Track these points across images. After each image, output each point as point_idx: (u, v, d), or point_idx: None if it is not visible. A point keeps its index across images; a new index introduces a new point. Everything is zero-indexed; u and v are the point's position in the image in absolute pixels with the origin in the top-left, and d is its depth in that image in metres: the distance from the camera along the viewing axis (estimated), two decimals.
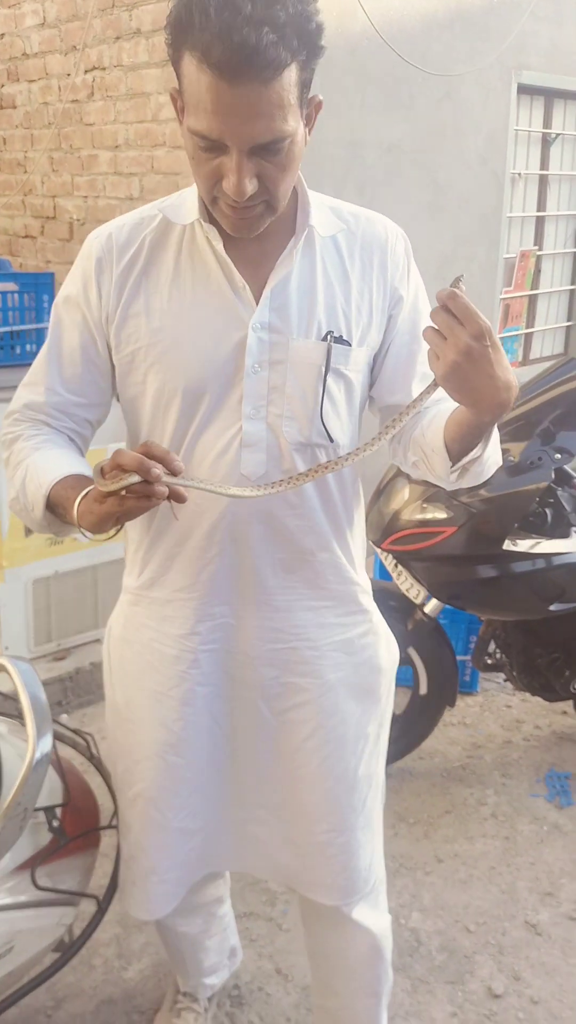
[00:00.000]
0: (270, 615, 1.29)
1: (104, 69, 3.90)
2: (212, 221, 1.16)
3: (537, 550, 2.28)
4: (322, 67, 1.05)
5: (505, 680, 2.87)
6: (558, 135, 4.43)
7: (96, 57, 3.93)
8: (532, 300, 4.86)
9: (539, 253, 4.62)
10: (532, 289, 4.77)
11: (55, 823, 1.37)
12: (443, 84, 3.63)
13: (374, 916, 1.50)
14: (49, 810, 1.37)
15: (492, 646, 2.72)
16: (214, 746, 1.37)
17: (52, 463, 1.19)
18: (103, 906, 1.47)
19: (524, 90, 4.08)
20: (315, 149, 3.22)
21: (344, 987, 1.55)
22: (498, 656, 2.73)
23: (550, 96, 4.32)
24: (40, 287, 3.29)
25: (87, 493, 1.07)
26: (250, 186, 1.03)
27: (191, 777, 1.37)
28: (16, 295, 3.25)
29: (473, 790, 2.65)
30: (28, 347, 3.35)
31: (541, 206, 4.50)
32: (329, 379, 1.19)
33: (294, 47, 0.95)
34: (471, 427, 1.12)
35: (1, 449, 1.30)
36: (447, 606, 2.44)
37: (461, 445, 1.16)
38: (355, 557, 1.36)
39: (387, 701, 1.45)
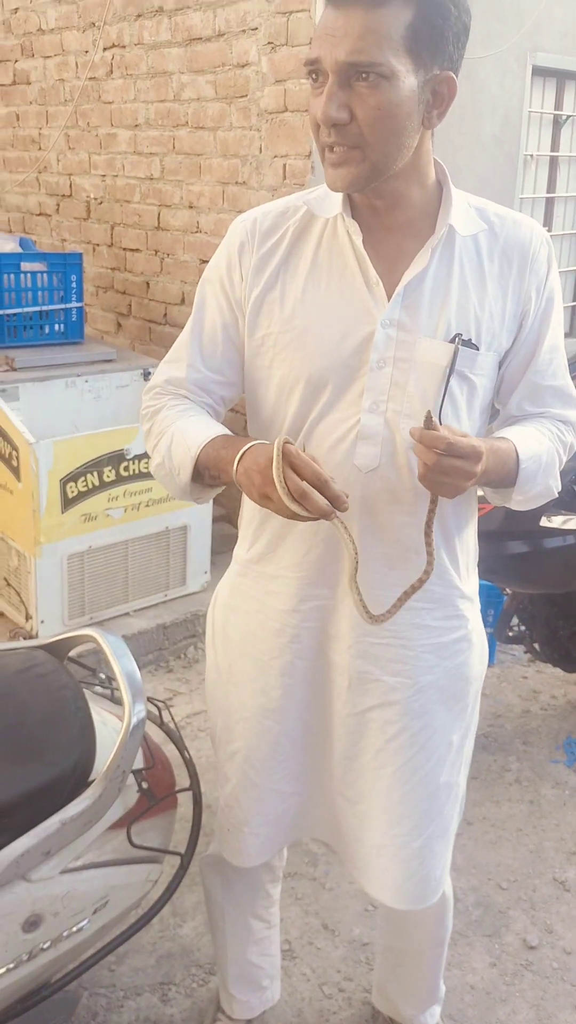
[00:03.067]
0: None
1: (124, 47, 3.91)
2: (355, 216, 1.21)
3: (568, 526, 2.38)
4: None
5: (525, 652, 2.98)
6: (568, 116, 4.48)
7: (116, 35, 3.93)
8: None
9: (550, 234, 4.68)
10: None
11: (143, 785, 1.46)
12: (462, 67, 3.67)
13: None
14: (138, 772, 1.45)
15: (514, 620, 2.82)
16: (310, 718, 1.39)
17: (198, 428, 1.25)
18: (185, 863, 1.56)
19: (538, 72, 4.12)
20: None
21: (414, 933, 1.63)
22: (519, 629, 2.84)
23: (562, 78, 4.36)
24: (69, 267, 3.33)
25: (248, 450, 1.14)
26: (335, 111, 1.07)
27: (286, 744, 1.40)
28: (45, 275, 3.29)
29: (496, 757, 2.76)
30: (57, 327, 3.39)
31: (551, 187, 4.55)
32: (452, 381, 1.20)
33: None
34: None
35: (142, 421, 1.35)
36: None
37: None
38: (461, 563, 1.34)
39: (473, 711, 1.44)
